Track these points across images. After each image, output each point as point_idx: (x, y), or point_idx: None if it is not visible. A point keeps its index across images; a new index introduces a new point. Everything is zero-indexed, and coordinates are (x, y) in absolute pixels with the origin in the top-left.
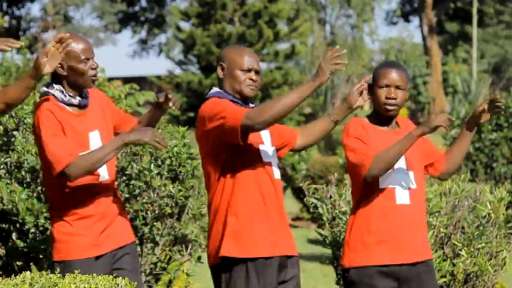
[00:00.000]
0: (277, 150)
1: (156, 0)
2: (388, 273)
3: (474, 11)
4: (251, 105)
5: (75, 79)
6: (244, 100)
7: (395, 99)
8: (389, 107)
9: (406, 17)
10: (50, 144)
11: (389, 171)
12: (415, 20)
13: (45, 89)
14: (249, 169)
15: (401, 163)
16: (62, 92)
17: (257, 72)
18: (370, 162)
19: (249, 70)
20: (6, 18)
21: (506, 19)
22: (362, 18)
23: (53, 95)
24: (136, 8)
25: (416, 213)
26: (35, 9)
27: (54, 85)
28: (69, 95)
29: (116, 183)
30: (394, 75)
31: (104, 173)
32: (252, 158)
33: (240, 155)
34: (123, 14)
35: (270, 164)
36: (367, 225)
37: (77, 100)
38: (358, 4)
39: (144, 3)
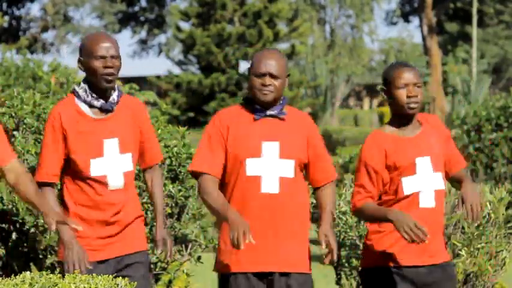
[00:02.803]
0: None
1: (156, 0)
2: (405, 276)
3: (474, 11)
4: (269, 112)
5: (90, 77)
6: (264, 105)
7: (417, 96)
8: (412, 105)
9: (405, 17)
10: (42, 152)
11: (415, 175)
12: (414, 20)
13: (75, 86)
14: (235, 182)
15: (427, 166)
16: (86, 91)
17: (272, 76)
18: (361, 204)
19: (263, 75)
20: (6, 18)
21: (506, 19)
22: (361, 18)
23: (77, 93)
24: (136, 8)
25: (439, 215)
26: (34, 9)
27: (83, 83)
28: (92, 96)
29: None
30: (410, 74)
31: (118, 182)
32: (237, 172)
33: (224, 169)
34: (122, 14)
35: (259, 177)
36: (390, 229)
37: (99, 103)
38: (357, 4)
39: (144, 3)
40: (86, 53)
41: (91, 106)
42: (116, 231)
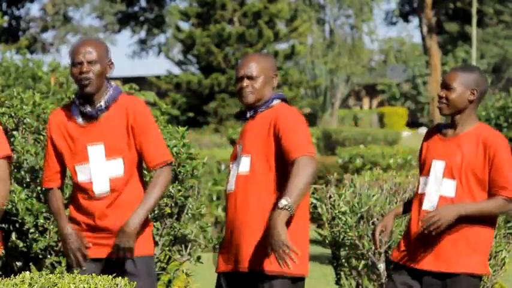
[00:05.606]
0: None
1: (156, 0)
2: (409, 272)
3: (474, 11)
4: (248, 114)
5: (76, 83)
6: (250, 107)
7: (442, 97)
8: (438, 105)
9: (405, 17)
10: (44, 158)
11: (426, 176)
12: (414, 20)
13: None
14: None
15: (438, 170)
16: (76, 98)
17: (249, 77)
18: None
19: (240, 78)
20: (6, 18)
21: (506, 19)
22: (361, 18)
23: (74, 98)
24: (136, 8)
25: None
26: (34, 9)
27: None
28: (80, 102)
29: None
30: (446, 76)
31: (103, 188)
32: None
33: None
34: (122, 14)
35: (232, 176)
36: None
37: (85, 109)
38: (356, 4)
39: (143, 3)
40: (70, 61)
41: (81, 112)
42: (104, 235)
